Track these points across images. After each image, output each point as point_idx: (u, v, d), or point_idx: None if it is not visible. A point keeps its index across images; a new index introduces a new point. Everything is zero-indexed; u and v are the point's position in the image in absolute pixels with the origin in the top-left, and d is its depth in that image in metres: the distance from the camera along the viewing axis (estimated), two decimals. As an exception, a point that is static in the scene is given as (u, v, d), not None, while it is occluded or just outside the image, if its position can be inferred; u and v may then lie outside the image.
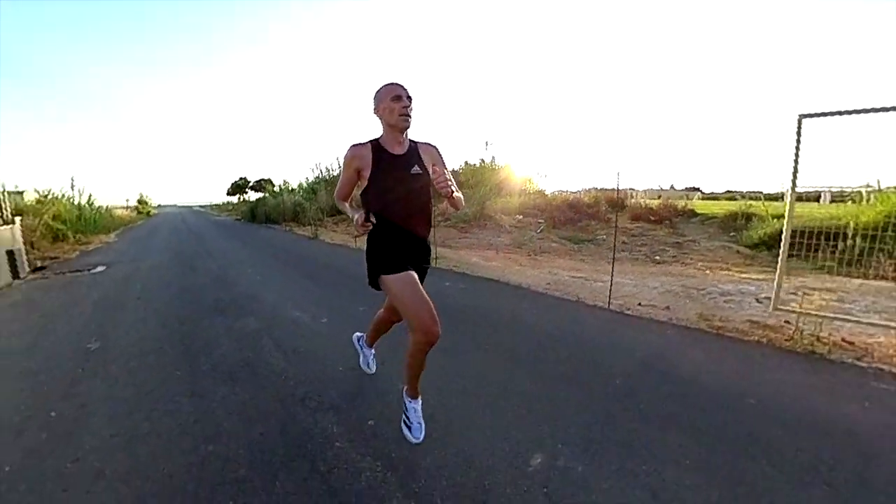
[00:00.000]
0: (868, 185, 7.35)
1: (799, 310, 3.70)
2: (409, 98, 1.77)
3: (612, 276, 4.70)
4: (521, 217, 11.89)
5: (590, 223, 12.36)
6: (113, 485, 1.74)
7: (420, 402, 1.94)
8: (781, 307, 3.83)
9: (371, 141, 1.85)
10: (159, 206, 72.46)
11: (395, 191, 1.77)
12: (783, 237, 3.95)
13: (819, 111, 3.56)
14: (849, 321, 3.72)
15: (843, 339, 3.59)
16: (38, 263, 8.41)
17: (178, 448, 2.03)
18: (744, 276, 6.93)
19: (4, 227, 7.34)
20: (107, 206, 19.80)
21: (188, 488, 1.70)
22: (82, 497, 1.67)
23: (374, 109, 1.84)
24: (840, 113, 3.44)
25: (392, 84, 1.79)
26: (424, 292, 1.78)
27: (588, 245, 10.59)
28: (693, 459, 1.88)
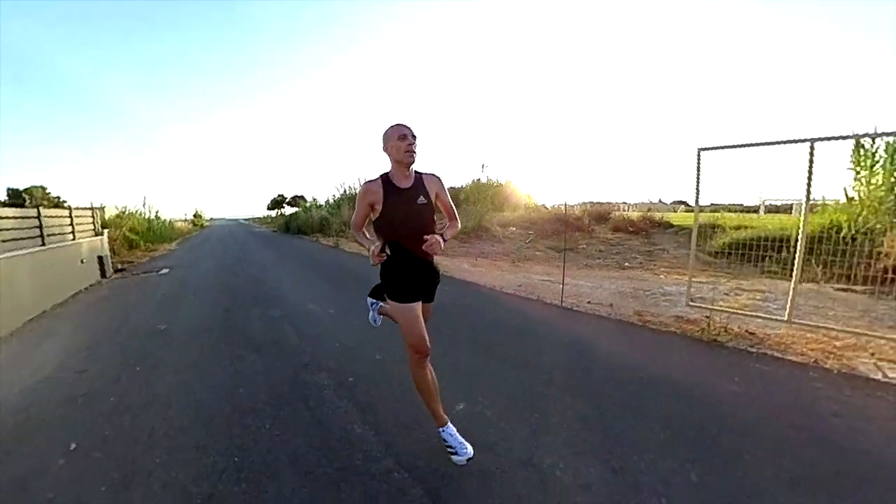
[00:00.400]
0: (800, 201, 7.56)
1: (709, 306, 4.18)
2: (414, 136, 1.87)
3: (563, 279, 5.25)
4: (514, 229, 12.26)
5: (574, 234, 12.69)
6: (179, 409, 2.52)
7: (450, 425, 1.94)
8: (692, 303, 4.30)
9: (381, 176, 1.93)
10: (211, 219, 76.90)
11: (404, 220, 1.85)
12: (692, 246, 4.47)
13: (714, 145, 4.11)
14: (754, 316, 4.12)
15: (747, 331, 3.95)
16: (119, 266, 9.65)
17: (221, 389, 2.80)
18: (693, 279, 6.89)
19: (96, 237, 8.63)
20: (169, 220, 21.64)
21: (226, 411, 2.46)
22: (160, 413, 2.45)
23: (383, 147, 1.93)
24: (733, 146, 3.99)
25: (398, 125, 1.89)
26: (422, 320, 1.92)
27: (568, 254, 10.92)
28: (581, 414, 2.37)
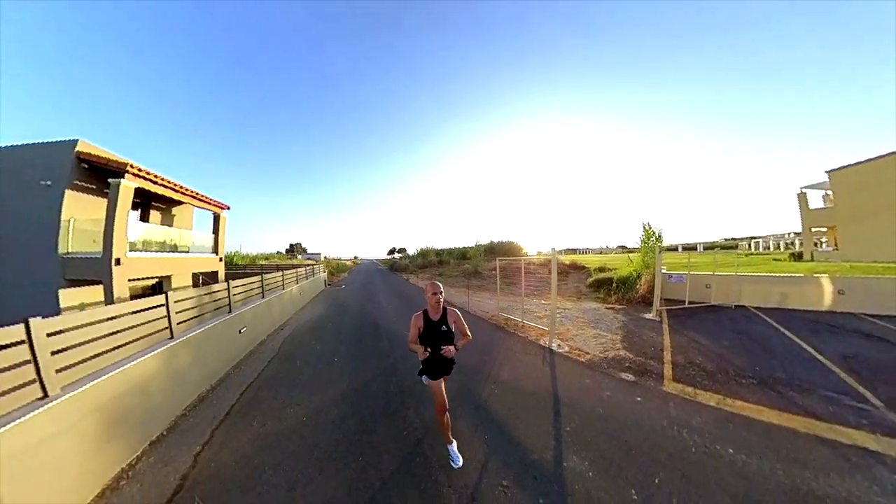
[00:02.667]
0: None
1: (504, 314, 7.79)
2: (440, 293, 2.24)
3: (468, 299, 9.29)
4: (493, 272, 16.14)
5: (519, 275, 13.90)
6: (350, 326, 6.90)
7: (454, 444, 2.25)
8: (503, 311, 7.82)
9: (424, 310, 2.30)
10: (360, 259, 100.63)
11: (434, 339, 2.20)
12: (498, 282, 9.00)
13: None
14: (515, 319, 7.05)
15: (523, 324, 6.25)
16: (328, 283, 17.23)
17: (342, 360, 4.64)
18: (545, 302, 8.86)
19: (324, 271, 17.23)
20: (345, 260, 33.23)
21: (345, 371, 4.08)
22: (345, 325, 7.24)
23: (424, 292, 2.31)
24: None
25: (431, 284, 2.28)
26: (443, 388, 2.28)
27: (512, 287, 12.36)
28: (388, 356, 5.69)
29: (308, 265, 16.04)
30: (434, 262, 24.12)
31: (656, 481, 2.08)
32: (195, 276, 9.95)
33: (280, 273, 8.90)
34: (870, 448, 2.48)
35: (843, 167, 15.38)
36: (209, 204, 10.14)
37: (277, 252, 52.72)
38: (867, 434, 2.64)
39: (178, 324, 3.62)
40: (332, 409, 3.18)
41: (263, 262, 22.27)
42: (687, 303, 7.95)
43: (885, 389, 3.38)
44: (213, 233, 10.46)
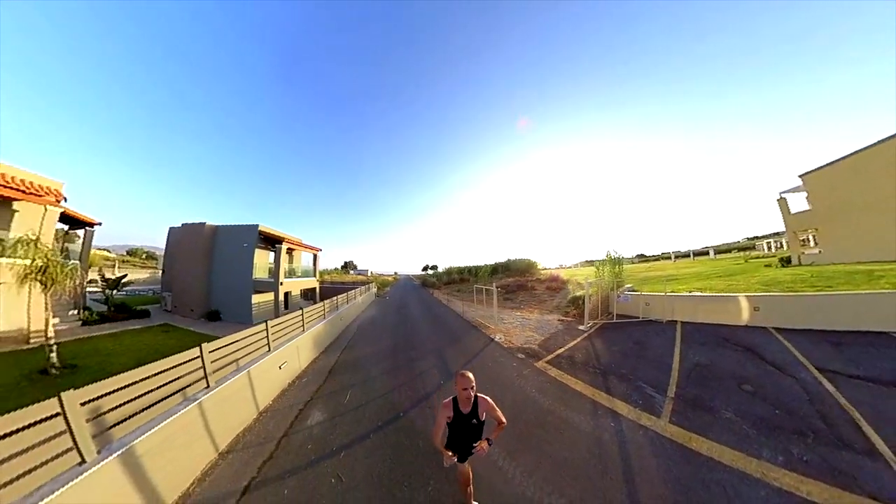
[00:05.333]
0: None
1: (481, 319, 12.69)
2: (472, 387, 1.98)
3: (464, 309, 13.96)
4: (498, 287, 20.44)
5: (522, 288, 17.43)
6: (392, 319, 12.37)
7: None
8: (480, 318, 12.85)
9: (453, 398, 2.06)
10: (399, 274, 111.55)
11: (463, 433, 2.05)
12: (485, 297, 13.34)
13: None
14: (485, 322, 11.30)
15: (488, 326, 11.10)
16: (377, 295, 23.29)
17: (387, 332, 9.79)
18: (523, 313, 12.18)
19: (375, 287, 23.58)
20: (385, 275, 40.35)
21: (388, 336, 9.10)
22: (388, 320, 12.35)
23: (453, 384, 2.05)
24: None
25: (463, 377, 2.00)
26: (469, 469, 2.27)
27: (514, 299, 15.70)
28: (432, 314, 11.30)
29: (363, 281, 22.67)
30: (456, 279, 28.31)
31: (493, 387, 4.59)
32: (302, 291, 16.59)
33: (354, 289, 14.94)
34: (619, 412, 3.64)
35: (815, 169, 14.87)
36: (311, 249, 17.06)
37: (335, 268, 59.43)
38: (629, 407, 3.73)
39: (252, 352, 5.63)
40: (384, 347, 7.81)
41: (335, 279, 30.04)
42: (641, 317, 8.46)
43: (688, 389, 3.91)
44: (313, 265, 17.24)
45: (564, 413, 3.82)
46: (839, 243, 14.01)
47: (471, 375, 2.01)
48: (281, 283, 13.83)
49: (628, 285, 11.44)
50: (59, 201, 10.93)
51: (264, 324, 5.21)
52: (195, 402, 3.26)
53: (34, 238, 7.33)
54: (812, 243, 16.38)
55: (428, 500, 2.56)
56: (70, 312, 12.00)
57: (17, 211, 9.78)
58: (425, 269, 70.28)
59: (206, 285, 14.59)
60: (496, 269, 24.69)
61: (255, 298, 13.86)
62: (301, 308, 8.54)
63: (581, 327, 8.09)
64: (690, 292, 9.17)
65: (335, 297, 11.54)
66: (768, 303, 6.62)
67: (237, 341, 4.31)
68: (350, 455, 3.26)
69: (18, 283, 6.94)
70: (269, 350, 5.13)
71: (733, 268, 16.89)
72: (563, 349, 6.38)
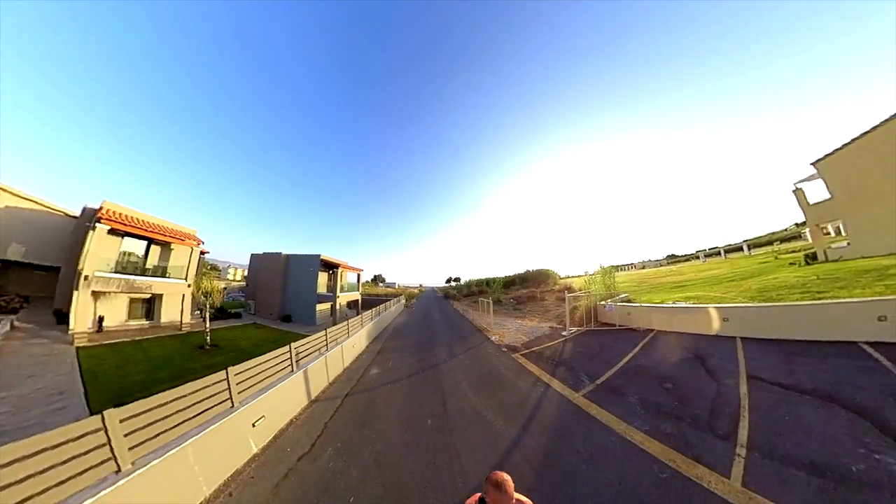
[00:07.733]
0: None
1: (485, 325, 15.40)
2: (512, 496, 1.51)
3: (469, 316, 16.75)
4: (511, 300, 22.16)
5: (532, 299, 19.45)
6: (417, 323, 16.14)
7: None
8: (483, 324, 15.48)
9: (480, 497, 1.55)
10: (424, 286, 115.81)
11: None
12: (488, 300, 16.11)
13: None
14: (487, 328, 13.77)
15: (489, 329, 13.79)
16: (406, 305, 27.22)
17: (414, 332, 13.69)
18: (524, 321, 14.24)
19: (402, 297, 27.26)
20: (411, 287, 44.40)
21: (415, 335, 12.87)
22: (415, 323, 16.10)
23: (484, 492, 1.54)
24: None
25: (494, 483, 1.50)
26: None
27: (522, 309, 17.24)
28: (443, 314, 14.83)
29: (393, 293, 26.74)
30: (475, 291, 30.18)
31: (479, 364, 7.49)
32: (348, 302, 20.87)
33: (388, 300, 18.78)
34: (552, 386, 4.74)
35: (828, 155, 13.04)
36: (355, 270, 21.55)
37: (366, 281, 67.02)
38: (561, 385, 4.72)
39: (299, 359, 7.53)
40: (412, 340, 11.57)
41: (369, 292, 34.74)
42: (618, 325, 8.91)
43: (615, 381, 4.52)
44: (357, 282, 21.58)
45: (515, 381, 5.40)
46: (867, 234, 11.77)
47: (509, 481, 1.49)
48: (337, 297, 18.14)
49: (623, 294, 12.42)
50: (198, 244, 16.41)
51: (346, 322, 9.38)
52: (322, 356, 6.75)
53: (206, 270, 12.36)
54: (841, 234, 13.90)
55: (428, 404, 5.00)
56: (194, 312, 17.22)
57: (173, 249, 15.33)
58: (448, 281, 73.15)
59: (282, 295, 19.53)
60: (513, 282, 26.83)
61: (318, 307, 18.35)
62: (347, 316, 12.26)
63: (564, 333, 9.05)
64: (674, 302, 9.40)
65: (376, 307, 15.26)
66: (736, 314, 6.58)
67: (317, 338, 6.89)
68: (392, 387, 6.13)
69: (192, 296, 11.74)
70: (328, 347, 7.52)
71: (755, 268, 15.83)
72: (538, 347, 7.68)
